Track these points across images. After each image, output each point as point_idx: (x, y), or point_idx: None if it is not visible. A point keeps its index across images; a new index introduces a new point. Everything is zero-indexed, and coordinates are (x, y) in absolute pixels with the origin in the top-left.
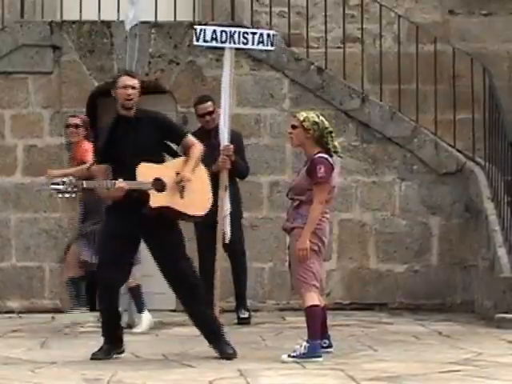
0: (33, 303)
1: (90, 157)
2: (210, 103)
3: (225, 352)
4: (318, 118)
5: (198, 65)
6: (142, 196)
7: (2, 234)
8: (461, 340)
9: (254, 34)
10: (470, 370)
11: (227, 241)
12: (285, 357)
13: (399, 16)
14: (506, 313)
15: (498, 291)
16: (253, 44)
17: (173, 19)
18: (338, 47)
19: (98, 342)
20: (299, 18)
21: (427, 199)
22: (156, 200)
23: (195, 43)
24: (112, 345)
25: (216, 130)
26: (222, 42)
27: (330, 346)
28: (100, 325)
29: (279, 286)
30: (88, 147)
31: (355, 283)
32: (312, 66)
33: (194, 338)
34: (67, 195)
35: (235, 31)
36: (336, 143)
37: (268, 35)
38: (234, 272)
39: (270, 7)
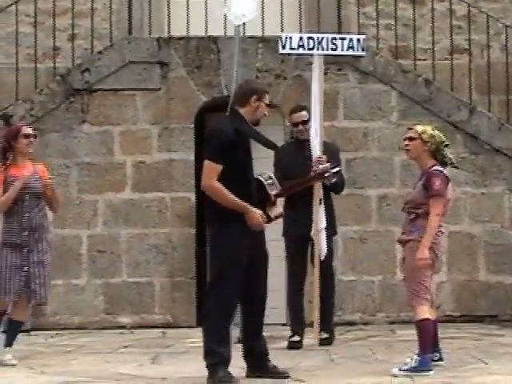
0: (143, 318)
1: None
2: (304, 112)
3: None
4: (434, 131)
5: (305, 78)
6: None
7: (112, 250)
8: None
9: (343, 39)
10: None
11: (322, 257)
12: (395, 370)
13: (507, 26)
14: None
15: None
16: (342, 50)
17: (280, 34)
18: (446, 58)
19: None
20: (406, 30)
21: None
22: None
23: (281, 51)
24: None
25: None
26: (309, 49)
27: (440, 360)
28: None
29: (389, 299)
30: None
31: (465, 295)
32: (419, 78)
33: (304, 352)
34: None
35: (323, 37)
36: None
37: (358, 40)
38: (321, 292)
39: (377, 20)
